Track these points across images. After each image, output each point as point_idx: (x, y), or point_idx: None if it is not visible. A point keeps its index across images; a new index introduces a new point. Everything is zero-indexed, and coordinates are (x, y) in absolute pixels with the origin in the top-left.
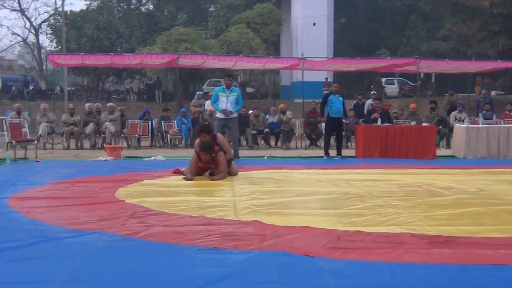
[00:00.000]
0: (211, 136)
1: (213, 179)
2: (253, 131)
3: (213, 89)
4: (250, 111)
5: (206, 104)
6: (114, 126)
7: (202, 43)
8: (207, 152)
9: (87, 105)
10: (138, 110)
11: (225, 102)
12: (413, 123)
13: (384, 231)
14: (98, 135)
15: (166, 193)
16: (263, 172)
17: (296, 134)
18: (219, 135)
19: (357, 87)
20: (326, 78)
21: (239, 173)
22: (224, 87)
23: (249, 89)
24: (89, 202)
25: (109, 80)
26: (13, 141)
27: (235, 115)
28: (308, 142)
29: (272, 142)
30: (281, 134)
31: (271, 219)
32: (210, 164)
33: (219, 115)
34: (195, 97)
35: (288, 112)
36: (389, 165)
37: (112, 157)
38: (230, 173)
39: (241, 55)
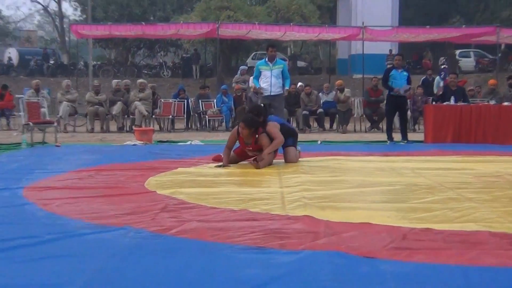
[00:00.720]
0: (261, 119)
1: (257, 166)
2: (305, 112)
3: None
4: (300, 83)
5: (250, 81)
6: (145, 106)
7: (246, 11)
8: (248, 126)
9: (114, 81)
10: (173, 87)
11: (269, 77)
12: (492, 102)
13: (457, 228)
14: (126, 116)
15: (204, 183)
16: (315, 159)
17: (355, 115)
18: (270, 123)
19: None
20: (391, 50)
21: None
22: (267, 59)
23: (300, 63)
24: (114, 193)
25: (139, 53)
26: (30, 123)
27: (281, 91)
28: (368, 124)
29: (327, 125)
30: (337, 115)
31: (325, 214)
32: (248, 146)
33: (263, 92)
34: (238, 72)
35: (346, 89)
36: (463, 151)
37: (142, 142)
38: (288, 160)
39: (291, 24)
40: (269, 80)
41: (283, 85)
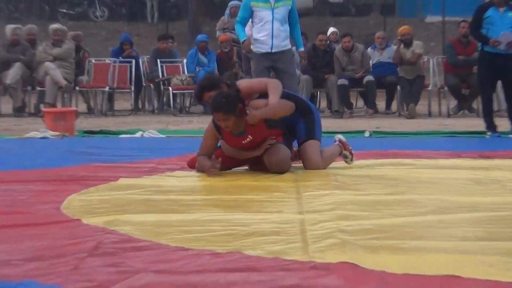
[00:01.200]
0: (225, 87)
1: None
2: (342, 81)
3: None
4: (332, 29)
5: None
6: (63, 70)
7: None
8: (228, 111)
9: (9, 28)
10: (111, 38)
11: (269, 21)
12: None
13: None
14: (30, 87)
15: (165, 205)
16: (361, 164)
17: (430, 87)
18: (243, 82)
19: None
20: None
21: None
22: None
23: None
24: (9, 223)
25: None
26: None
27: (289, 46)
28: (454, 102)
29: (381, 103)
30: (398, 87)
31: (378, 260)
32: (243, 137)
33: (258, 47)
34: (226, 12)
35: (415, 42)
36: None
37: (58, 133)
38: (310, 164)
39: None
40: (269, 26)
41: (293, 37)
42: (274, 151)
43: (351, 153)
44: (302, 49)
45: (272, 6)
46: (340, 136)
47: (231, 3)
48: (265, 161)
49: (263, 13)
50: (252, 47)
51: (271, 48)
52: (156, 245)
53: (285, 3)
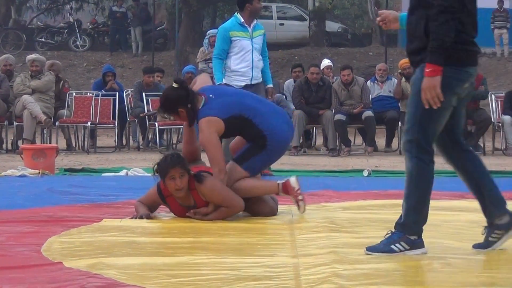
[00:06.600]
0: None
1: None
2: (339, 116)
3: None
4: (327, 62)
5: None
6: (42, 103)
7: None
8: (183, 166)
9: None
10: (93, 69)
11: (249, 51)
12: None
13: None
14: (7, 122)
15: (150, 247)
16: (359, 205)
17: None
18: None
19: None
20: (501, 2)
21: (306, 208)
22: (243, 20)
23: (331, 26)
24: None
25: (31, 5)
26: None
27: (261, 78)
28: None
29: (381, 140)
30: (400, 123)
31: None
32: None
33: (237, 80)
34: (205, 42)
35: None
36: None
37: (37, 171)
38: (260, 211)
39: None
40: (250, 57)
41: (263, 72)
42: (261, 202)
43: (298, 203)
44: (271, 85)
45: (251, 35)
46: (291, 179)
47: (210, 31)
48: (255, 211)
49: (243, 43)
50: (227, 79)
51: (251, 80)
52: None
53: (260, 32)
